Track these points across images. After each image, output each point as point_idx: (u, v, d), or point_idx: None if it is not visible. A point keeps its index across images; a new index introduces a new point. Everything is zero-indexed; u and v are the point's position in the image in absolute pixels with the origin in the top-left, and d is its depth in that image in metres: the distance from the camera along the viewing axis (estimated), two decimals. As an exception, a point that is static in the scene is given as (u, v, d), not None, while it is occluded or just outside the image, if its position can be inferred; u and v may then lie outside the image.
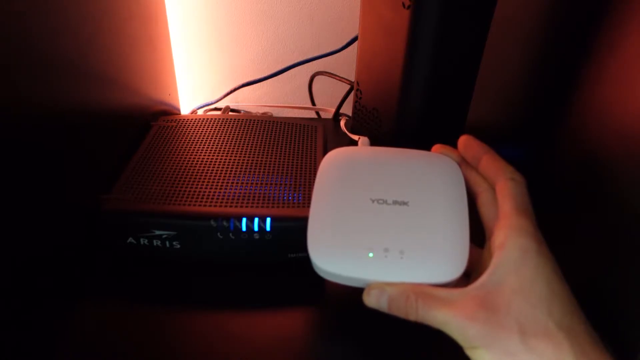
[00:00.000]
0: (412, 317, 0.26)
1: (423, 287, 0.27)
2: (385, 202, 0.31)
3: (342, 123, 0.56)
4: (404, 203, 0.31)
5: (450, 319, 0.25)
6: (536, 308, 0.24)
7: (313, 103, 0.65)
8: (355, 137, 0.51)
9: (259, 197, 0.36)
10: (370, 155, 0.35)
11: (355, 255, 0.29)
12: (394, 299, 0.27)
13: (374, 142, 0.48)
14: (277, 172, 0.39)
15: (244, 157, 0.41)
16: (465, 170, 0.33)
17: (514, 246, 0.26)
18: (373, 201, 0.31)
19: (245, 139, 0.44)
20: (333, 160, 0.35)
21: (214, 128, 0.46)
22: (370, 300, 0.28)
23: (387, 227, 0.30)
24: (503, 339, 0.24)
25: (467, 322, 0.24)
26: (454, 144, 0.34)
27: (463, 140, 0.33)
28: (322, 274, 0.30)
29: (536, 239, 0.26)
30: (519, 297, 0.24)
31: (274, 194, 0.37)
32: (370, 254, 0.29)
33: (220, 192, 0.36)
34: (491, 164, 0.30)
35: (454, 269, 0.28)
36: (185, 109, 0.67)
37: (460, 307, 0.25)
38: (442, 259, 0.29)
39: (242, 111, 0.63)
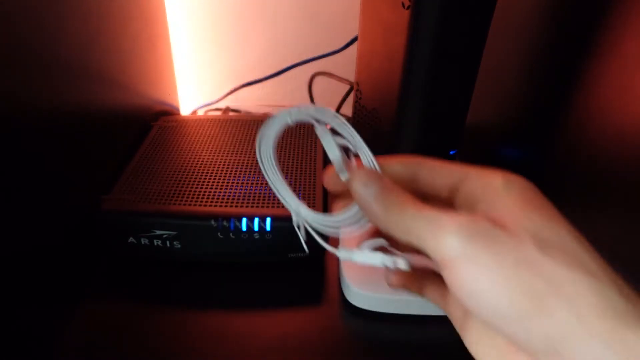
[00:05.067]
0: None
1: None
2: None
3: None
4: None
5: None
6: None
7: (313, 103, 0.65)
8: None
9: (259, 197, 0.36)
10: None
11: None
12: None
13: (375, 141, 0.48)
14: (277, 172, 0.39)
15: (244, 157, 0.41)
16: None
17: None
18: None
19: (245, 139, 0.44)
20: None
21: (214, 128, 0.46)
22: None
23: None
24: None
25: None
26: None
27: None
28: (357, 303, 0.33)
29: None
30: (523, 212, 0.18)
31: (274, 194, 0.36)
32: None
33: (220, 192, 0.36)
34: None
35: None
36: (185, 109, 0.67)
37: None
38: None
39: (242, 111, 0.63)
